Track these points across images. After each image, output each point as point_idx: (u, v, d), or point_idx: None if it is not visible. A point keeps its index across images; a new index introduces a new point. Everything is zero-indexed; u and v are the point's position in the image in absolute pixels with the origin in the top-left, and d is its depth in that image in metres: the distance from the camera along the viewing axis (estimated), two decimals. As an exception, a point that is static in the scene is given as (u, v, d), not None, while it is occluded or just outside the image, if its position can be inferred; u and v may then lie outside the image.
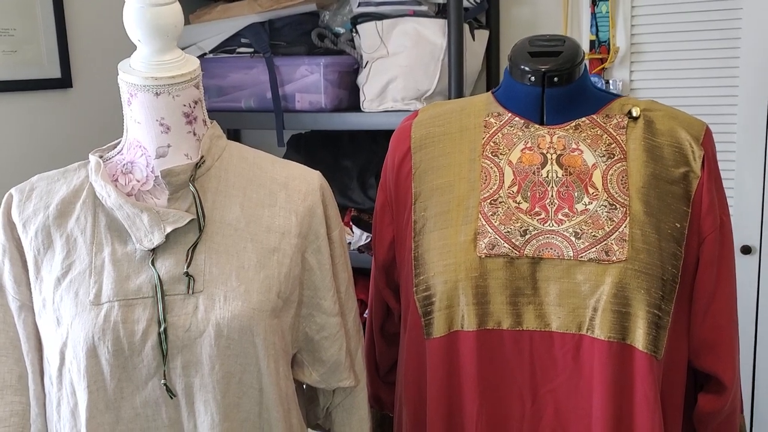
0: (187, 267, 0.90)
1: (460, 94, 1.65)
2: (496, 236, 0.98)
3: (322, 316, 1.00)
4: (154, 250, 0.91)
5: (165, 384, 0.88)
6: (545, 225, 0.98)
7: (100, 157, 0.97)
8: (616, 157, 1.01)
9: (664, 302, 0.95)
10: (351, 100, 1.85)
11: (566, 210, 0.99)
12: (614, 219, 0.97)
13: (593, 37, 1.88)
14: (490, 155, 1.04)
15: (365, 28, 1.73)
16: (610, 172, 1.00)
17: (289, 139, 2.01)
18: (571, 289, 0.96)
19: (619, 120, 1.03)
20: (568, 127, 1.04)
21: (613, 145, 1.02)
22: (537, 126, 1.04)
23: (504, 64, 1.70)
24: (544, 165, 1.01)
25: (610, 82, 1.88)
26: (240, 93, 1.89)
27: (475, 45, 1.82)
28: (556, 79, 1.02)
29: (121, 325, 0.87)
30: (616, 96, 1.08)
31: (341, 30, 1.85)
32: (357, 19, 1.76)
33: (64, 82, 1.82)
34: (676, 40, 1.81)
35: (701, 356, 1.02)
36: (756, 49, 1.74)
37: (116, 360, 0.87)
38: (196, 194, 0.93)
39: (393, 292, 1.16)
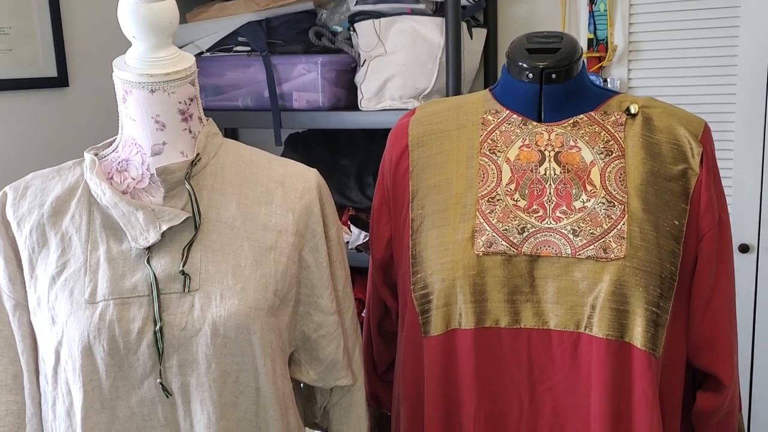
0: (183, 265, 0.90)
1: (457, 92, 1.65)
2: (494, 234, 0.98)
3: (319, 315, 1.00)
4: (149, 249, 0.90)
5: (161, 383, 0.88)
6: (543, 222, 0.98)
7: (96, 154, 0.97)
8: (614, 155, 1.00)
9: (663, 300, 0.94)
10: (348, 99, 1.84)
11: (564, 207, 0.98)
12: (612, 216, 0.97)
13: (591, 36, 1.88)
14: (487, 153, 1.03)
15: (363, 27, 1.73)
16: (608, 170, 1.00)
17: (287, 138, 2.00)
18: (569, 287, 0.95)
19: (618, 117, 1.03)
20: (566, 124, 1.03)
21: (611, 142, 1.01)
22: (535, 123, 1.04)
23: (502, 62, 1.70)
24: (542, 162, 1.01)
25: (608, 80, 1.88)
26: (237, 92, 1.89)
27: (473, 43, 1.82)
28: (554, 75, 1.01)
29: (117, 323, 0.87)
30: (615, 93, 1.07)
31: (338, 28, 1.84)
32: (354, 18, 1.75)
33: (60, 81, 1.81)
34: (674, 38, 1.81)
35: (700, 354, 1.01)
36: (754, 47, 1.74)
37: (112, 359, 0.87)
38: (191, 192, 0.92)
39: (390, 290, 1.15)
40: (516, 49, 1.04)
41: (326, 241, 1.00)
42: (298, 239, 0.97)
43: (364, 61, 1.74)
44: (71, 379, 0.88)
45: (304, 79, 1.79)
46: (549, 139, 1.02)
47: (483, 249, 0.97)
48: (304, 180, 1.00)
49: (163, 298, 0.88)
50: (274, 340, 0.93)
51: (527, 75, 1.02)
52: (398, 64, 1.69)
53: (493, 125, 1.05)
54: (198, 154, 0.95)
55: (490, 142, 1.04)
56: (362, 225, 1.81)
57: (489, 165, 1.02)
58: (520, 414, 1.00)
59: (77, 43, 1.85)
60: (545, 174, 1.00)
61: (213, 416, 0.89)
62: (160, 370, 0.88)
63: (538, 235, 0.97)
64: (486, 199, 1.00)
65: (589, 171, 1.00)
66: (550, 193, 0.99)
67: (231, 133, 2.27)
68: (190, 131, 0.96)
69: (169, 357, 0.88)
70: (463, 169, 1.03)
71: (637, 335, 0.94)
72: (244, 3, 1.82)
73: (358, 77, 1.76)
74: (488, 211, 0.99)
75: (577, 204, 0.98)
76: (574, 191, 0.99)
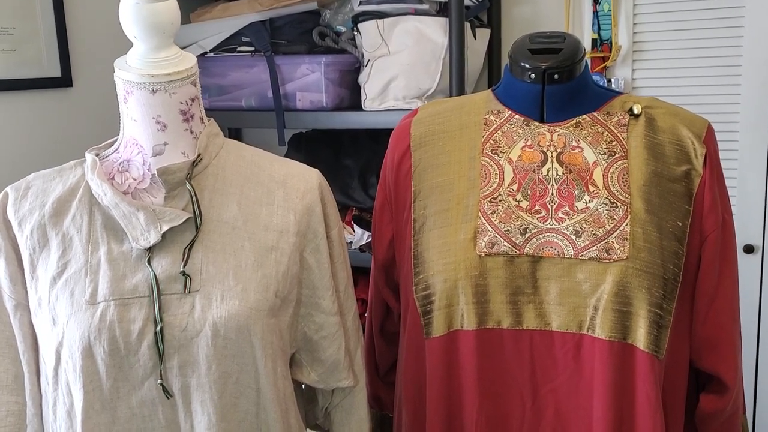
0: (184, 266, 0.90)
1: (461, 92, 1.64)
2: (496, 235, 0.97)
3: (320, 316, 0.99)
4: (150, 249, 0.90)
5: (161, 384, 0.88)
6: (545, 223, 0.97)
7: (97, 155, 0.97)
8: (617, 155, 1.00)
9: (666, 301, 0.94)
10: (352, 99, 1.84)
11: (566, 208, 0.98)
12: (615, 217, 0.96)
13: (595, 36, 1.87)
14: (490, 153, 1.03)
15: (366, 27, 1.73)
16: (611, 170, 0.99)
17: (290, 138, 2.00)
18: (571, 288, 0.95)
19: (620, 117, 1.02)
20: (568, 124, 1.03)
21: (614, 143, 1.01)
22: (537, 123, 1.03)
23: (505, 62, 1.69)
24: (544, 163, 1.01)
25: (612, 80, 1.87)
26: (241, 92, 1.89)
27: (477, 43, 1.82)
28: (556, 76, 1.01)
29: (117, 324, 0.87)
30: (618, 93, 1.07)
31: (342, 29, 1.84)
32: (358, 18, 1.75)
33: (64, 81, 1.82)
34: (679, 38, 1.80)
35: (703, 356, 1.01)
36: (759, 47, 1.73)
37: (112, 360, 0.87)
38: (192, 192, 0.92)
39: (393, 291, 1.15)
40: (518, 50, 1.03)
41: (328, 242, 1.00)
42: (300, 240, 0.97)
43: (368, 61, 1.74)
44: (72, 380, 0.88)
45: (308, 79, 1.79)
46: (551, 140, 1.02)
47: (485, 250, 0.97)
48: (306, 180, 0.99)
49: (163, 299, 0.88)
50: (275, 341, 0.93)
51: (530, 75, 1.02)
52: (402, 64, 1.68)
53: (495, 126, 1.05)
54: (199, 155, 0.95)
55: (492, 142, 1.03)
56: (365, 225, 1.81)
57: (491, 165, 1.02)
58: (522, 416, 0.99)
59: (81, 43, 1.85)
60: (548, 175, 1.00)
61: (213, 417, 0.89)
62: (161, 371, 0.88)
63: (540, 236, 0.97)
64: (488, 199, 1.00)
65: (592, 172, 0.99)
66: (552, 194, 0.99)
67: (235, 133, 2.27)
68: (192, 131, 0.96)
69: (169, 358, 0.88)
70: (465, 170, 1.03)
71: (640, 337, 0.93)
72: (248, 3, 1.82)
73: (362, 77, 1.76)
74: (490, 211, 0.99)
75: (580, 205, 0.98)
76: (576, 192, 0.99)
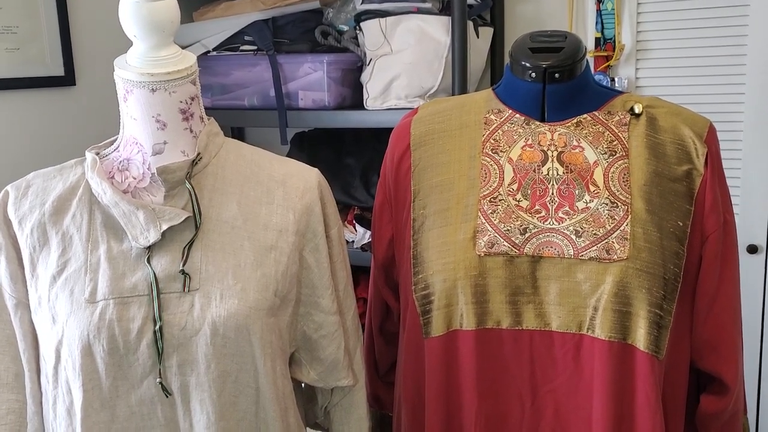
0: (183, 265, 0.90)
1: (463, 91, 1.64)
2: (496, 234, 0.97)
3: (320, 315, 0.99)
4: (149, 248, 0.90)
5: (160, 383, 0.88)
6: (545, 223, 0.97)
7: (97, 153, 0.97)
8: (617, 155, 0.99)
9: (666, 302, 0.93)
10: (354, 98, 1.84)
11: (567, 208, 0.98)
12: (615, 217, 0.96)
13: (598, 35, 1.86)
14: (490, 152, 1.02)
15: (369, 26, 1.73)
16: (611, 170, 0.99)
17: (293, 137, 2.00)
18: (571, 288, 0.95)
19: (621, 117, 1.02)
20: (569, 123, 1.02)
21: (614, 143, 1.00)
22: (538, 123, 1.03)
23: (508, 61, 1.69)
24: (544, 162, 1.00)
25: (616, 79, 1.86)
26: (243, 91, 1.89)
27: (480, 42, 1.81)
28: (557, 75, 1.00)
29: (116, 323, 0.87)
30: (619, 92, 1.06)
31: (345, 27, 1.84)
32: (361, 17, 1.75)
33: (67, 80, 1.82)
34: (683, 37, 1.79)
35: (703, 356, 1.00)
36: (763, 46, 1.72)
37: (111, 358, 0.87)
38: (192, 192, 0.92)
39: (392, 291, 1.15)
40: (519, 48, 1.03)
41: (327, 241, 1.00)
42: (299, 239, 0.97)
43: (370, 60, 1.74)
44: (71, 379, 0.88)
45: (310, 78, 1.79)
46: (552, 139, 1.01)
47: (485, 249, 0.97)
48: (305, 179, 0.99)
49: (162, 298, 0.88)
50: (275, 340, 0.93)
51: (530, 74, 1.01)
52: (404, 63, 1.68)
53: (495, 125, 1.04)
54: (199, 154, 0.95)
55: (492, 141, 1.03)
56: (367, 224, 1.81)
57: (491, 165, 1.02)
58: (521, 416, 0.99)
59: (84, 42, 1.86)
60: (548, 174, 1.00)
61: (212, 416, 0.89)
62: (160, 369, 0.88)
63: (540, 236, 0.96)
64: (488, 199, 0.99)
65: (593, 171, 0.99)
66: (552, 194, 0.99)
67: (237, 132, 2.27)
68: (191, 130, 0.96)
69: (168, 357, 0.88)
70: (465, 169, 1.03)
71: (640, 337, 0.93)
72: (251, 2, 1.82)
73: (364, 76, 1.76)
74: (490, 211, 0.99)
75: (580, 204, 0.97)
76: (577, 192, 0.98)
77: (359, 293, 1.68)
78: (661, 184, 0.98)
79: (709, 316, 0.99)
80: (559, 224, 0.97)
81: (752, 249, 1.79)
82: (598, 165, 0.99)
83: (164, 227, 0.90)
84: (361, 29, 1.76)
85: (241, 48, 1.86)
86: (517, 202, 0.99)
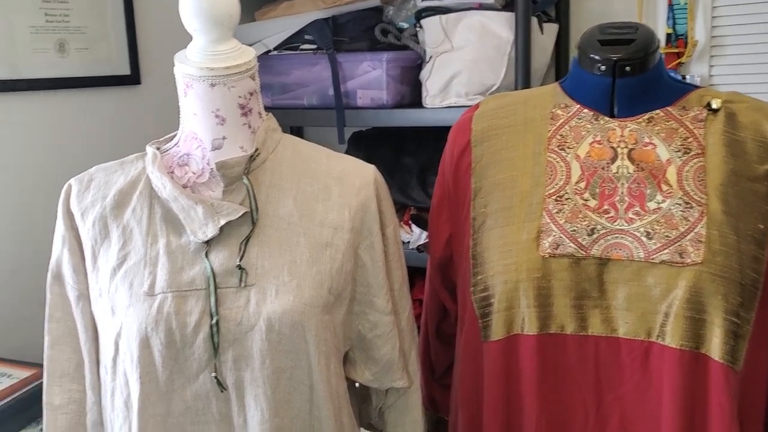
0: (240, 260, 0.89)
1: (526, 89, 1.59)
2: (561, 235, 0.93)
3: (374, 314, 0.98)
4: (208, 243, 0.90)
5: (216, 377, 0.87)
6: (614, 224, 0.92)
7: (157, 148, 0.98)
8: (692, 152, 0.94)
9: (744, 309, 0.88)
10: (413, 96, 1.82)
11: (637, 208, 0.93)
12: (690, 219, 0.90)
13: (670, 30, 1.79)
14: (556, 149, 0.98)
15: (429, 23, 1.70)
16: (686, 169, 0.93)
17: (350, 136, 1.99)
18: (640, 293, 0.90)
19: (697, 112, 0.96)
20: (640, 119, 0.97)
21: (689, 140, 0.95)
22: (607, 118, 0.98)
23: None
24: (614, 160, 0.96)
25: (687, 77, 1.78)
26: (303, 90, 1.89)
27: (544, 39, 1.76)
28: (627, 68, 0.96)
29: (174, 316, 0.87)
30: (695, 87, 1.01)
31: (405, 25, 1.82)
32: (421, 14, 1.73)
33: (132, 79, 1.87)
34: (761, 32, 1.70)
35: (787, 369, 0.94)
36: None
37: (168, 351, 0.87)
38: (249, 187, 0.92)
39: (449, 291, 1.12)
40: (588, 41, 0.99)
41: (383, 239, 0.98)
42: (354, 236, 0.95)
43: (430, 57, 1.71)
44: (129, 371, 0.89)
45: (369, 76, 1.78)
46: (622, 136, 0.97)
47: (549, 251, 0.93)
48: (362, 176, 0.98)
49: (219, 292, 0.88)
50: (329, 337, 0.91)
51: (599, 67, 0.97)
52: (465, 60, 1.65)
53: (562, 120, 1.00)
54: (257, 149, 0.94)
55: (559, 137, 0.99)
56: (423, 224, 1.78)
57: (557, 162, 0.98)
58: (585, 423, 0.95)
59: (149, 42, 1.90)
60: (617, 172, 0.95)
61: (267, 413, 0.88)
62: (215, 364, 0.87)
63: (608, 237, 0.92)
64: (553, 197, 0.95)
65: (665, 170, 0.94)
66: (622, 193, 0.94)
67: (296, 132, 2.28)
68: (250, 126, 0.95)
69: (224, 351, 0.87)
70: (529, 166, 0.99)
71: (715, 347, 0.87)
72: (311, 1, 1.82)
73: (424, 74, 1.73)
74: (555, 210, 0.95)
75: (652, 205, 0.92)
76: (648, 191, 0.93)
77: (414, 294, 1.65)
78: (740, 184, 0.92)
79: (793, 325, 0.92)
80: (628, 225, 0.92)
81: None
82: (671, 163, 0.94)
83: (222, 222, 0.89)
84: (421, 26, 1.74)
85: (302, 47, 1.86)
86: (584, 202, 0.94)
